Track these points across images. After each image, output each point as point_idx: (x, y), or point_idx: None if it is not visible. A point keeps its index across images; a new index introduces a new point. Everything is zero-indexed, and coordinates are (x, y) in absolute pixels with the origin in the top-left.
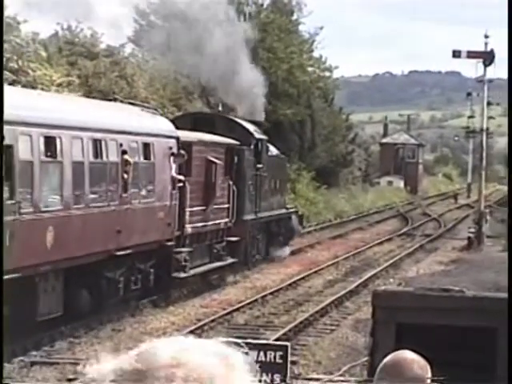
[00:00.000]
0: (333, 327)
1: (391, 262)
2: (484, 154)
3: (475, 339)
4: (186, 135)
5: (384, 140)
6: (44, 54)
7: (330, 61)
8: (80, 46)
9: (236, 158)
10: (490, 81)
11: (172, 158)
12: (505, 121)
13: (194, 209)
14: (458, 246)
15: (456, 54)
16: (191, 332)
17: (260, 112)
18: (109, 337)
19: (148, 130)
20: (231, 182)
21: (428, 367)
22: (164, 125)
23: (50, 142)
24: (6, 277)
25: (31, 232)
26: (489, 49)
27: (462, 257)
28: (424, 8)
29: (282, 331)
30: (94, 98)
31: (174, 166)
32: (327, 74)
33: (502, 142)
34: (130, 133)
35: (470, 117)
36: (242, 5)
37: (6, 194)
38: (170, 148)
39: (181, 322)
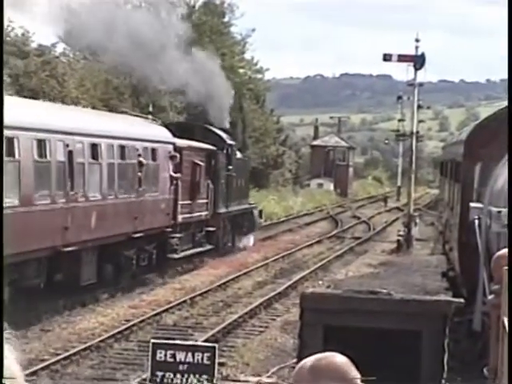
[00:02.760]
0: (261, 329)
1: (320, 264)
2: (414, 158)
3: (401, 341)
4: (178, 141)
5: (315, 142)
6: None
7: (261, 63)
8: (11, 44)
9: (213, 161)
10: (421, 84)
11: (170, 160)
12: (434, 124)
13: (184, 202)
14: (387, 249)
15: (387, 57)
16: (119, 333)
17: (225, 118)
18: (37, 337)
19: (154, 138)
20: (209, 181)
21: (356, 371)
22: (164, 133)
23: (94, 148)
24: (68, 249)
25: (84, 215)
26: (419, 52)
27: (391, 259)
28: (356, 11)
29: (211, 332)
30: (24, 96)
31: (171, 167)
32: (258, 75)
33: (431, 146)
34: (143, 140)
35: (401, 120)
36: (173, 6)
37: (68, 187)
38: (169, 152)
39: (109, 322)
